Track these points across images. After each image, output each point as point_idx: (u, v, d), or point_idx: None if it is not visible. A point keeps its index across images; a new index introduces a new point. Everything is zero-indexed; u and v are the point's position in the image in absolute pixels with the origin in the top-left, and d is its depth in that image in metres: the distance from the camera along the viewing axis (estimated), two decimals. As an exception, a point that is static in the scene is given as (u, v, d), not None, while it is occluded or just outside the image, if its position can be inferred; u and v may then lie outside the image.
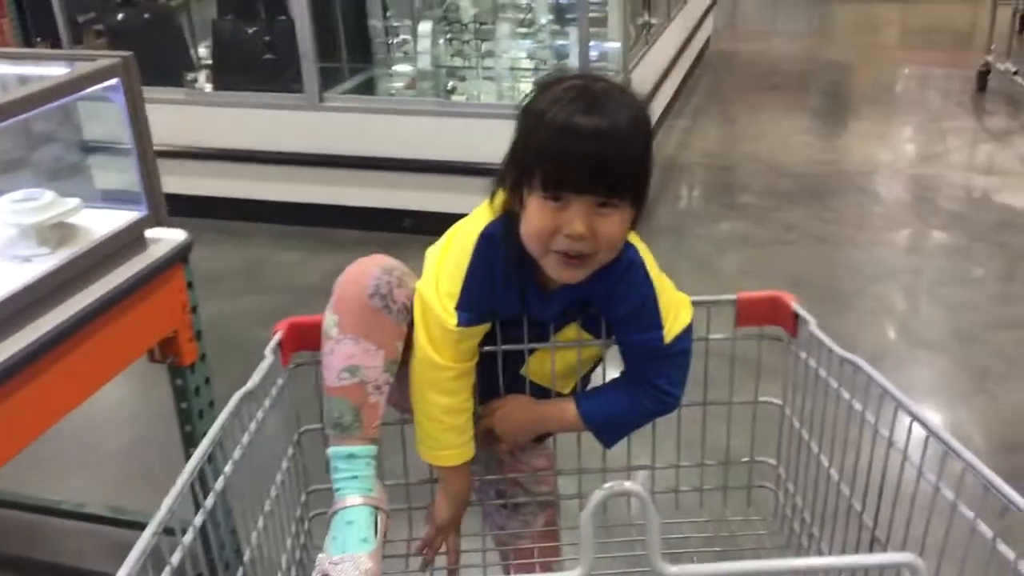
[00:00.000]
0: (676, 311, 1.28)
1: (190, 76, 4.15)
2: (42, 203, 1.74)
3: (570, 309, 1.31)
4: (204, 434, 2.06)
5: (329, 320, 1.28)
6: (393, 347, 1.27)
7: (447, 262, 1.30)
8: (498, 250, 1.26)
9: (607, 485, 0.62)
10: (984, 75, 5.50)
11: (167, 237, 1.94)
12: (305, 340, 1.32)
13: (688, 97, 5.83)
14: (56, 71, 1.83)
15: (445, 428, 1.31)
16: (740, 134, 5.25)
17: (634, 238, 1.28)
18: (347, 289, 1.28)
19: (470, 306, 1.27)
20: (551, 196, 1.17)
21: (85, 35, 5.80)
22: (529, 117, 1.20)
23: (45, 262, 1.69)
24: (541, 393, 1.38)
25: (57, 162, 2.22)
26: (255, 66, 4.02)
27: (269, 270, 3.86)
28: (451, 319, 1.26)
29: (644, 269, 1.27)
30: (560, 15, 4.32)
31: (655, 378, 1.29)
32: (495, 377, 1.35)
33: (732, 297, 1.31)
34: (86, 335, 1.69)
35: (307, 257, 3.90)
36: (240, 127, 4.02)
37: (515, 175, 1.22)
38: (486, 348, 1.32)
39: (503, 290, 1.28)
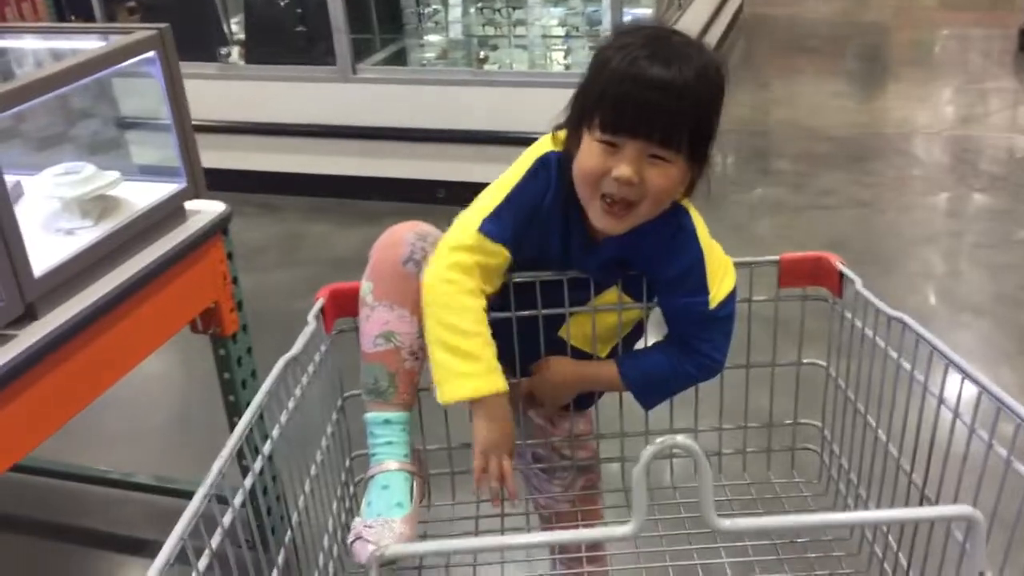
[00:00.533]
0: (723, 276, 1.27)
1: (223, 51, 4.16)
2: (83, 176, 1.76)
3: (612, 266, 1.30)
4: (247, 404, 2.08)
5: (365, 287, 1.29)
6: None
7: (498, 182, 1.30)
8: (552, 178, 1.26)
9: (659, 440, 0.62)
10: (1026, 34, 5.38)
11: (206, 209, 1.95)
12: (347, 307, 1.32)
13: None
14: (94, 45, 1.84)
15: (456, 353, 1.22)
16: (776, 99, 5.18)
17: (687, 203, 1.27)
18: (382, 255, 1.28)
19: (499, 220, 1.25)
20: (606, 139, 1.17)
21: (118, 11, 5.83)
22: (599, 60, 1.20)
23: (88, 235, 1.71)
24: (580, 357, 1.37)
25: (95, 136, 2.24)
26: (287, 39, 4.02)
27: (304, 242, 3.88)
28: (475, 224, 1.25)
29: (695, 234, 1.26)
30: (592, -19, 4.27)
31: (699, 343, 1.28)
32: (535, 339, 1.35)
33: (775, 258, 1.30)
34: (130, 306, 1.71)
35: (341, 229, 3.91)
36: (273, 100, 4.03)
37: (576, 115, 1.22)
38: (524, 312, 1.31)
39: (546, 222, 1.27)
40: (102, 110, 2.21)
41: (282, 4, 4.00)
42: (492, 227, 1.25)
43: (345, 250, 3.69)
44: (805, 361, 1.32)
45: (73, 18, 6.95)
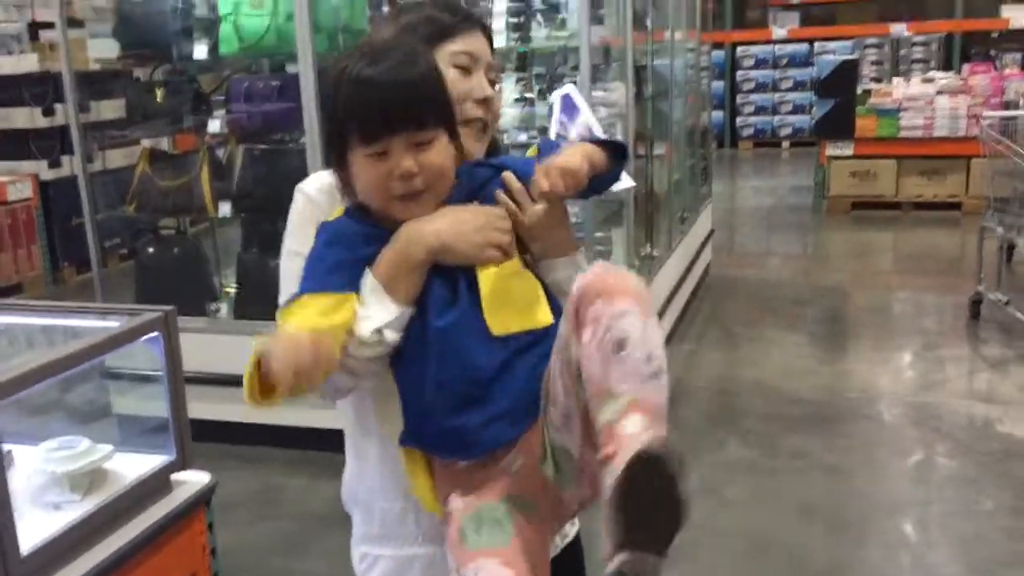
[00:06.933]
0: None
1: (212, 306, 4.32)
2: (77, 451, 1.81)
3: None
4: None
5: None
6: None
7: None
8: (346, 225, 1.35)
9: None
10: (976, 304, 5.67)
11: (191, 480, 1.99)
12: None
13: (691, 322, 6.00)
14: (99, 324, 1.94)
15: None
16: (743, 359, 5.37)
17: None
18: None
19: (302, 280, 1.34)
20: (373, 150, 1.28)
21: (109, 258, 6.07)
22: (332, 93, 1.33)
23: (75, 510, 1.74)
24: (515, 344, 1.31)
25: (87, 403, 2.30)
26: (276, 297, 4.17)
27: (282, 495, 3.86)
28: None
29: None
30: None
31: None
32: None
33: None
34: (108, 584, 1.71)
35: (316, 483, 3.91)
36: (257, 354, 4.12)
37: (337, 150, 1.33)
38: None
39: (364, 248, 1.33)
40: (92, 371, 2.29)
41: (273, 265, 4.19)
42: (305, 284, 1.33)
43: (320, 505, 3.68)
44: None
45: (66, 265, 7.21)
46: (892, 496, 3.74)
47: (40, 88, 7.11)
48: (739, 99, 13.33)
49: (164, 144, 4.98)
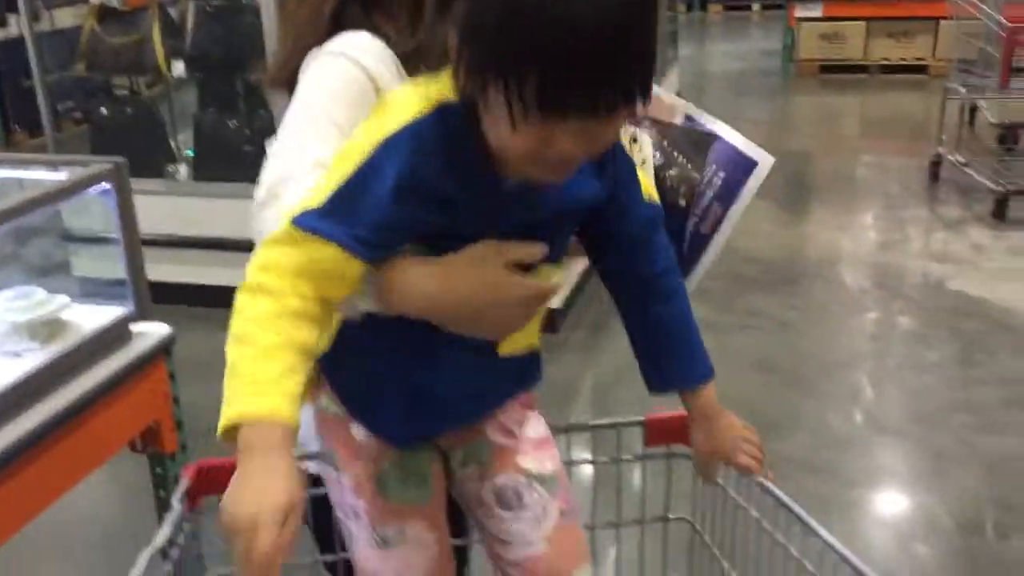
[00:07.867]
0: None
1: (171, 168, 4.26)
2: (34, 301, 1.81)
3: (527, 201, 1.03)
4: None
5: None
6: None
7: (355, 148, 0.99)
8: (432, 171, 0.96)
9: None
10: (936, 166, 5.72)
11: (150, 331, 2.01)
12: (215, 484, 1.19)
13: (655, 185, 6.00)
14: (50, 175, 1.92)
15: (232, 373, 0.97)
16: (706, 222, 5.40)
17: None
18: None
19: (335, 209, 0.97)
20: (546, 117, 0.88)
21: (63, 123, 5.93)
22: (499, 14, 0.87)
23: (35, 357, 1.76)
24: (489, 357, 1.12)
25: (43, 256, 2.30)
26: (236, 158, 4.13)
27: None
28: (294, 212, 0.98)
29: None
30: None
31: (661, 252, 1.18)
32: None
33: (640, 419, 1.32)
34: (73, 427, 1.75)
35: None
36: (220, 216, 4.10)
37: (485, 73, 0.89)
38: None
39: (443, 188, 0.97)
40: (50, 229, 2.28)
41: (231, 125, 4.13)
42: (320, 223, 0.97)
43: (285, 365, 3.72)
44: (672, 517, 1.35)
45: (17, 128, 7.03)
46: (845, 352, 3.85)
47: (-22, -58, 6.77)
48: (710, -40, 13.00)
49: (113, 1, 4.79)
